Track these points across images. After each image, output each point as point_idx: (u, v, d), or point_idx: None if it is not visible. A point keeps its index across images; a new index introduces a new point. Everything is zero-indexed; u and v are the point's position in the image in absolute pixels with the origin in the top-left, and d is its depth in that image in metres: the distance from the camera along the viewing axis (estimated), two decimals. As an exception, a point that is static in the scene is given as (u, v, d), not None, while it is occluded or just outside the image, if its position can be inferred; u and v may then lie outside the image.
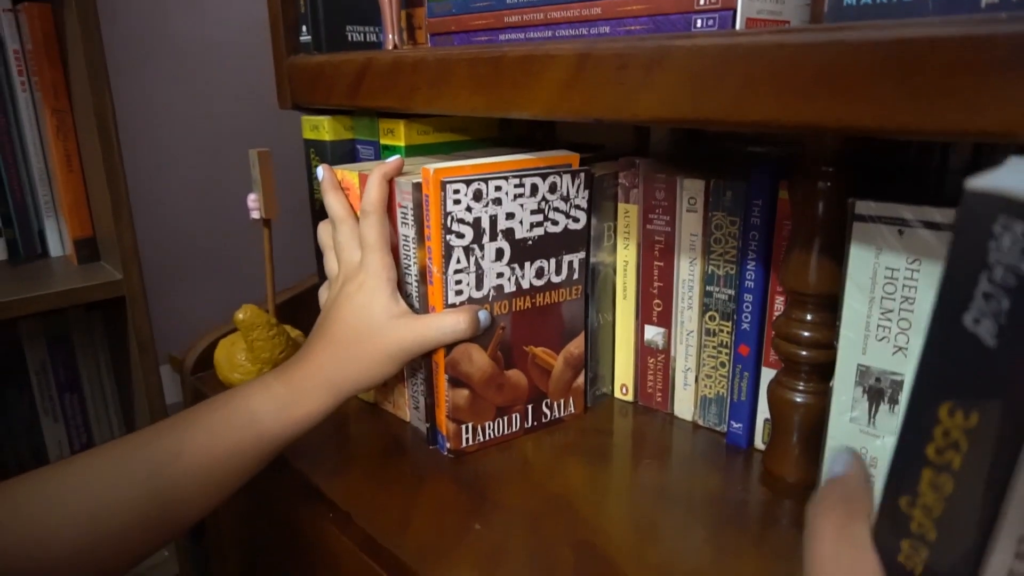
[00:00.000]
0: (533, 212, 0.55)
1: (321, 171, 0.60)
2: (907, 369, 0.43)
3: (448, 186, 0.50)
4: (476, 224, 0.53)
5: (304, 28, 0.71)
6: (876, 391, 0.44)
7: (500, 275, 0.55)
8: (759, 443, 0.56)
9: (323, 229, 0.60)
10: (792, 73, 0.34)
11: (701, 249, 0.57)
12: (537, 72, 0.47)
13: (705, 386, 0.59)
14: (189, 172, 1.18)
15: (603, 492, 0.53)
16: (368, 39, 0.74)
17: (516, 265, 0.55)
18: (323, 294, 0.59)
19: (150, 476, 0.45)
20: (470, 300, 0.54)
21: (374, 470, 0.56)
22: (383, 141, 0.69)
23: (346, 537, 0.51)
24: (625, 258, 0.62)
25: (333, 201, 0.58)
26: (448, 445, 0.56)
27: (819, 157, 0.46)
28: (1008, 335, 0.19)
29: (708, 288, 0.57)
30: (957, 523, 0.24)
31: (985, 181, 0.20)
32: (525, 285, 0.56)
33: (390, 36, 0.69)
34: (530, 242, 0.56)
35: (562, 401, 0.61)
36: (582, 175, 0.57)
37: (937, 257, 0.41)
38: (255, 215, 0.68)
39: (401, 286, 0.56)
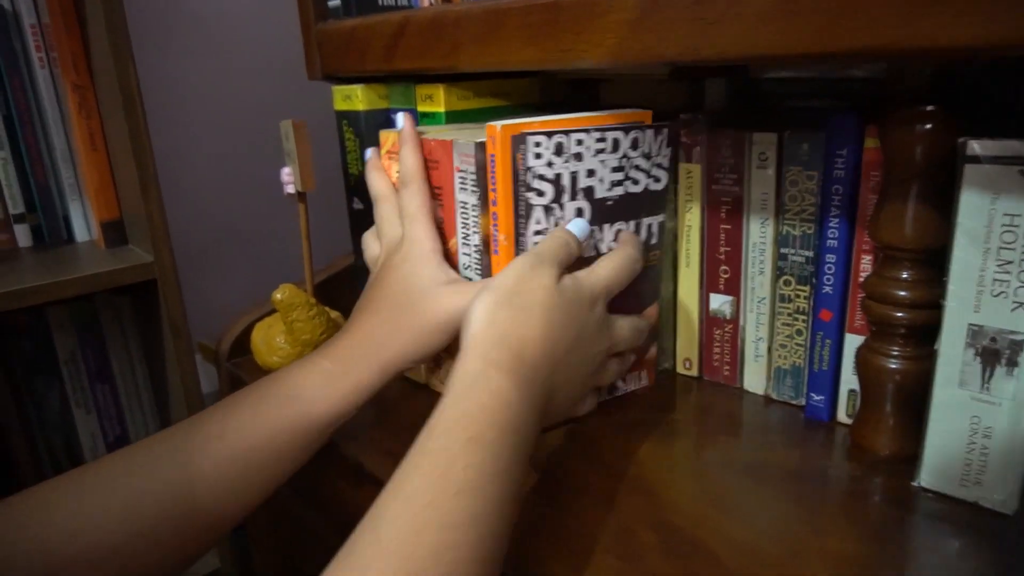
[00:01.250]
0: (614, 170, 0.51)
1: (369, 152, 0.58)
2: (1028, 327, 0.38)
3: (530, 138, 0.46)
4: (557, 180, 0.48)
5: (333, -7, 0.67)
6: (991, 353, 0.40)
7: None
8: (842, 415, 0.52)
9: (379, 176, 0.58)
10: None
11: (774, 209, 0.53)
12: (601, 14, 0.43)
13: (779, 356, 0.55)
14: (211, 150, 1.15)
15: (678, 470, 0.49)
16: (399, 2, 0.70)
17: (595, 227, 0.51)
18: (370, 244, 0.56)
19: (187, 464, 0.42)
20: None
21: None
22: (421, 108, 0.65)
23: (405, 525, 0.48)
24: (688, 222, 0.58)
25: (375, 179, 0.56)
26: None
27: (917, 95, 0.42)
28: None
29: (782, 250, 0.52)
30: None
31: None
32: (603, 249, 0.52)
33: (426, -6, 0.65)
34: (610, 202, 0.51)
35: (636, 374, 0.57)
36: (665, 131, 0.53)
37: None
38: (289, 189, 0.65)
39: (450, 258, 0.52)
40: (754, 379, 0.57)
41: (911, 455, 0.45)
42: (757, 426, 0.54)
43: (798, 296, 0.53)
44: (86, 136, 0.72)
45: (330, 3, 0.68)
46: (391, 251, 0.51)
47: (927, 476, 0.44)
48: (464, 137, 0.52)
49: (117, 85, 0.65)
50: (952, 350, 0.41)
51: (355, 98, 0.68)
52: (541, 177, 0.48)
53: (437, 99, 0.63)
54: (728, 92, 0.65)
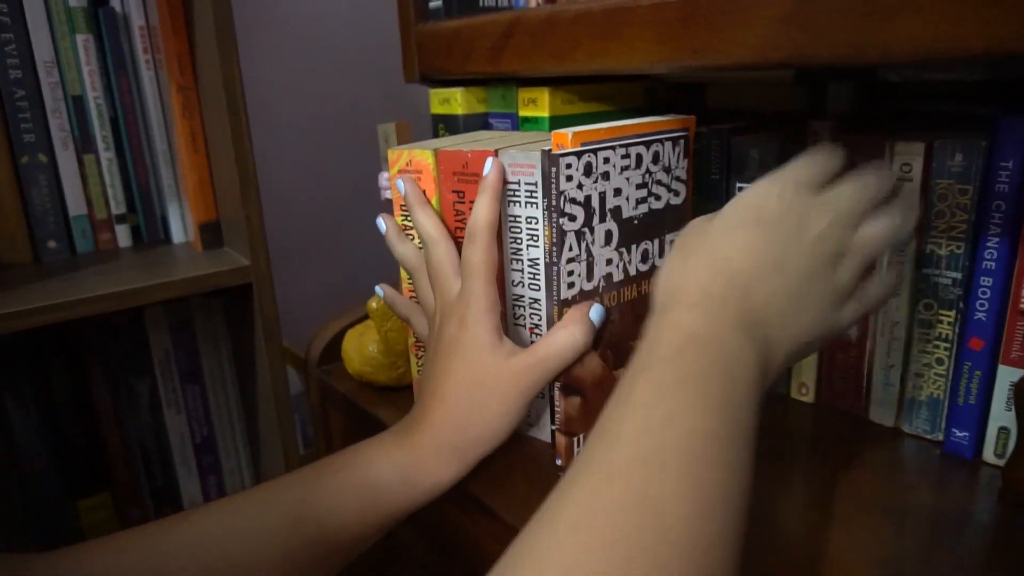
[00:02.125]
0: (638, 186, 0.49)
1: (382, 224, 0.55)
2: None
3: (561, 160, 0.44)
4: (587, 203, 0.46)
5: (434, -6, 0.65)
6: None
7: (609, 262, 0.49)
8: (989, 455, 0.47)
9: (405, 246, 0.53)
10: None
11: (916, 225, 0.48)
12: (746, 7, 0.39)
13: (914, 387, 0.50)
14: (304, 152, 1.15)
15: (804, 507, 0.45)
16: (501, 4, 0.68)
17: (624, 249, 0.49)
18: (426, 292, 0.52)
19: (265, 548, 0.42)
20: (581, 292, 0.48)
21: (536, 481, 0.50)
22: (523, 113, 0.63)
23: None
24: (813, 237, 0.53)
25: (424, 219, 0.50)
26: (560, 462, 0.49)
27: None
28: None
29: (924, 271, 0.48)
30: None
31: None
32: (632, 271, 0.50)
33: (534, -5, 0.63)
34: (635, 221, 0.49)
35: None
36: (682, 142, 0.51)
37: None
38: (387, 195, 0.63)
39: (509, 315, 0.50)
40: (882, 410, 0.53)
41: (1081, 505, 0.40)
42: (888, 462, 0.50)
43: (941, 322, 0.48)
44: (187, 137, 0.72)
45: (431, 4, 0.67)
46: (447, 311, 0.48)
47: (1105, 532, 0.39)
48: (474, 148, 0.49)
49: (222, 86, 0.64)
50: None
51: (454, 102, 0.66)
52: (573, 200, 0.45)
53: (541, 103, 0.61)
54: (854, 95, 0.61)
